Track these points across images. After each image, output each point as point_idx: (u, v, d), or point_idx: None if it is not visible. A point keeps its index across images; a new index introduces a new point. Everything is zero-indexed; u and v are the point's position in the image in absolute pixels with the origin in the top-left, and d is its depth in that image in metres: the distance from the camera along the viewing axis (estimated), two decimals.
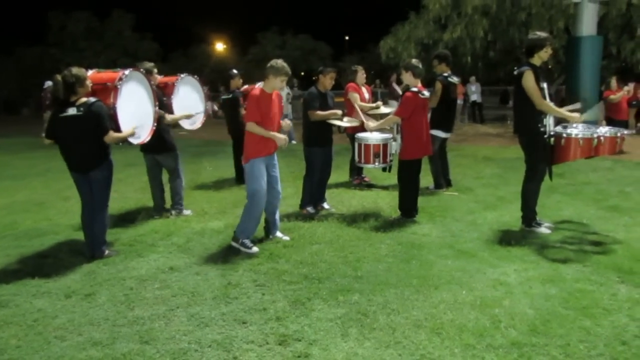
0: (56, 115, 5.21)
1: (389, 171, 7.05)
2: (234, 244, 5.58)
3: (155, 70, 6.76)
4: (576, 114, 5.77)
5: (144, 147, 6.62)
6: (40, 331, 3.93)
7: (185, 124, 7.25)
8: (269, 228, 5.97)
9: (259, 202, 5.57)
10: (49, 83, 21.00)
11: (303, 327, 3.86)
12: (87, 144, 5.22)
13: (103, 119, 5.16)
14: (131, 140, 5.64)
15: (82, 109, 5.10)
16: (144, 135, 5.93)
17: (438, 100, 7.90)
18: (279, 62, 5.59)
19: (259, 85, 5.78)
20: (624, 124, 12.75)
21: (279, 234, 5.98)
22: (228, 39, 49.81)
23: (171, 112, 6.91)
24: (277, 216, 5.99)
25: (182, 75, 7.43)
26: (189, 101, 7.45)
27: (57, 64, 33.73)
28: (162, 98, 6.75)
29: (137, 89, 5.92)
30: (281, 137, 5.63)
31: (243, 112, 8.49)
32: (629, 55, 18.92)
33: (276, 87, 5.63)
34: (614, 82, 13.34)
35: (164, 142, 6.76)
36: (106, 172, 5.39)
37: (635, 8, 17.33)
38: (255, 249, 5.48)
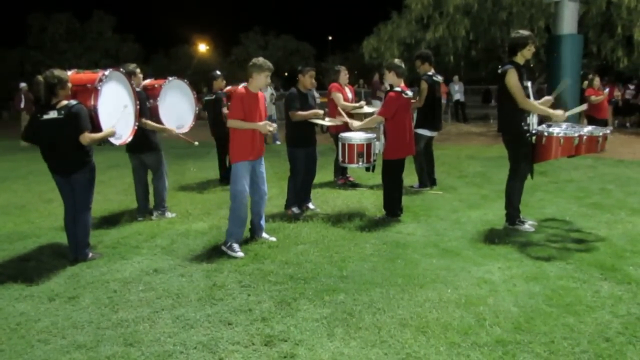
0: (36, 117, 5.15)
1: (373, 171, 7.08)
2: (222, 247, 5.53)
3: (139, 71, 6.72)
4: (560, 111, 5.80)
5: (129, 147, 6.57)
6: (23, 335, 3.89)
7: (173, 128, 7.12)
8: (254, 229, 5.95)
9: (242, 203, 5.55)
10: (23, 84, 20.76)
11: (289, 328, 3.86)
12: (69, 147, 5.16)
13: (81, 119, 5.10)
14: (112, 140, 5.59)
15: (62, 111, 5.04)
16: (125, 135, 5.89)
17: (419, 101, 7.94)
18: (260, 59, 5.58)
19: (243, 85, 5.73)
20: (604, 123, 12.90)
21: (265, 235, 5.96)
22: (210, 40, 49.71)
23: (156, 115, 6.84)
24: (263, 218, 5.97)
25: (170, 79, 7.36)
26: (177, 106, 7.34)
27: (37, 66, 33.40)
28: (146, 101, 6.70)
29: (118, 89, 5.86)
30: (262, 125, 5.54)
31: (226, 112, 8.48)
32: (609, 53, 19.17)
33: (261, 84, 5.60)
34: (597, 81, 13.47)
35: (149, 142, 6.71)
36: (88, 175, 5.34)
37: (615, 7, 17.55)
38: (240, 253, 5.42)
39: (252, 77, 5.53)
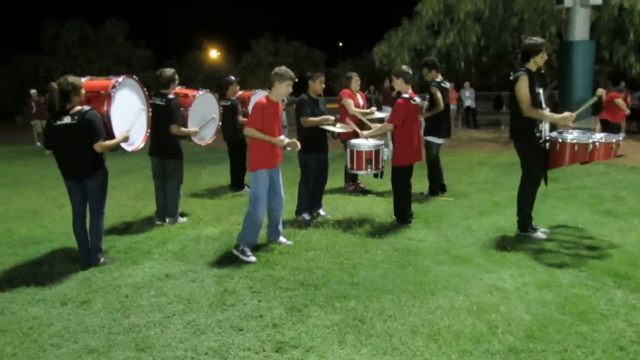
0: (51, 123, 5.21)
1: (381, 177, 7.08)
2: (234, 251, 5.53)
3: (177, 77, 6.80)
4: (568, 113, 5.78)
5: (154, 150, 6.62)
6: (35, 339, 3.91)
7: (195, 139, 7.20)
8: (271, 233, 5.98)
9: (259, 208, 5.57)
10: (33, 91, 21.07)
11: (300, 334, 3.85)
12: (82, 152, 5.20)
13: (96, 126, 5.14)
14: (125, 147, 5.63)
15: (76, 117, 5.08)
16: (137, 142, 5.93)
17: (438, 105, 7.89)
18: (282, 68, 5.67)
19: (256, 92, 5.75)
20: (617, 127, 12.81)
21: (282, 239, 5.99)
22: (221, 46, 49.85)
23: (185, 123, 6.90)
24: (280, 223, 6.00)
25: (202, 91, 7.41)
26: (205, 118, 7.36)
27: (51, 72, 33.72)
28: (180, 108, 6.77)
29: (131, 96, 5.91)
30: (280, 139, 5.62)
31: (240, 118, 8.53)
32: (622, 59, 19.07)
33: (282, 93, 5.65)
34: (624, 90, 13.39)
35: (174, 148, 6.78)
36: (101, 180, 5.38)
37: (627, 13, 17.48)
38: (253, 258, 5.43)
39: (274, 86, 5.61)
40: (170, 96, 6.66)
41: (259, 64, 43.88)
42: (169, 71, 6.83)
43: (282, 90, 5.62)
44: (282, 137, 5.67)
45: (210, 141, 7.59)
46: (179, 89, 7.08)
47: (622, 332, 3.73)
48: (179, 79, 7.01)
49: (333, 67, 47.95)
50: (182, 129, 6.75)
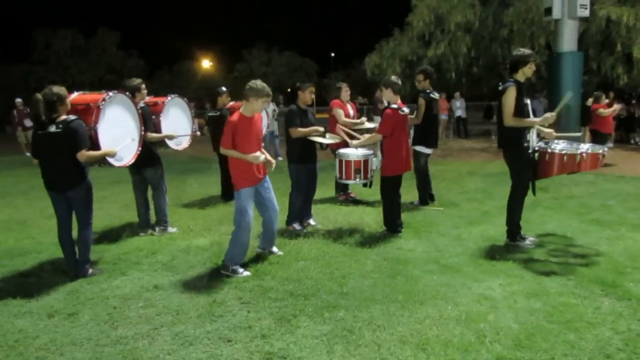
0: (36, 132, 5.20)
1: (370, 187, 7.09)
2: (223, 272, 5.39)
3: (143, 87, 6.78)
4: (548, 114, 5.82)
5: None
6: (21, 352, 3.88)
7: (171, 144, 7.19)
8: (264, 243, 5.95)
9: (246, 229, 5.43)
10: (18, 100, 20.99)
11: (288, 345, 3.84)
12: (65, 162, 5.16)
13: (79, 135, 5.11)
14: (112, 162, 5.60)
15: (61, 125, 5.06)
16: (127, 158, 5.90)
17: (417, 117, 7.97)
18: (259, 83, 5.37)
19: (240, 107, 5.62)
20: (607, 137, 12.91)
21: (274, 249, 5.97)
22: (214, 56, 50.02)
23: (159, 131, 6.92)
24: (275, 234, 5.93)
25: (171, 96, 7.45)
26: (178, 122, 7.42)
27: (41, 82, 33.64)
28: (151, 116, 6.77)
29: (123, 113, 5.89)
30: (252, 157, 5.35)
31: None
32: (609, 70, 19.25)
33: (257, 109, 5.42)
34: (603, 97, 13.51)
35: (150, 157, 6.75)
36: (84, 192, 5.32)
37: (615, 24, 17.68)
38: (246, 273, 5.36)
39: (248, 101, 5.35)
40: (140, 105, 6.64)
41: (251, 73, 44.07)
42: (133, 81, 6.78)
43: (258, 106, 5.35)
44: (258, 153, 5.37)
45: (187, 145, 7.61)
46: (149, 99, 7.08)
47: (608, 340, 3.75)
48: (174, 88, 7.03)
49: (325, 77, 48.20)
50: (153, 134, 6.72)
